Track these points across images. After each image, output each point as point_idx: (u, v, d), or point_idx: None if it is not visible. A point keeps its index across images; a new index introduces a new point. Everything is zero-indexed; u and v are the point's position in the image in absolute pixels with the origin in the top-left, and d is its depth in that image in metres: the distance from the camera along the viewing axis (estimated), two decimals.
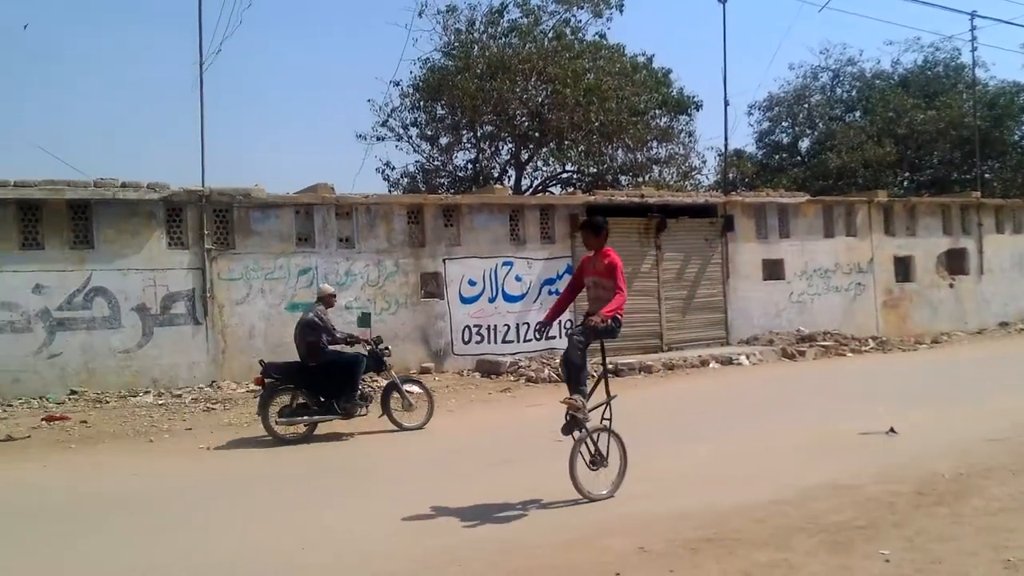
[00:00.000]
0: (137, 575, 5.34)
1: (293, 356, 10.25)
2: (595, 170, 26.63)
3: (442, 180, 26.89)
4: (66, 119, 47.32)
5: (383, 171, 27.04)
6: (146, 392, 12.99)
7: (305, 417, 9.88)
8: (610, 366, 14.82)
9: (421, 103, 25.96)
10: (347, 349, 10.31)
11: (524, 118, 25.33)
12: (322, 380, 9.89)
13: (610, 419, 6.55)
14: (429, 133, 26.49)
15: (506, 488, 6.93)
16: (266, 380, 9.83)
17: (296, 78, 55.07)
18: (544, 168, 27.70)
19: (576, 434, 6.37)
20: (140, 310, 13.41)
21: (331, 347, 10.05)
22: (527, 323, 16.51)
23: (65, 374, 12.84)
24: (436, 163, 27.14)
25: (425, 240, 15.87)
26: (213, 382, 13.64)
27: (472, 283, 16.15)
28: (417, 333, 15.63)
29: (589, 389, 6.51)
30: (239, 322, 14.13)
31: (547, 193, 26.00)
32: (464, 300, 16.07)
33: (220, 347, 13.96)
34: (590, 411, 6.44)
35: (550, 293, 16.80)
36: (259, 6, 48.50)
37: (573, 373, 6.43)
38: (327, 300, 10.38)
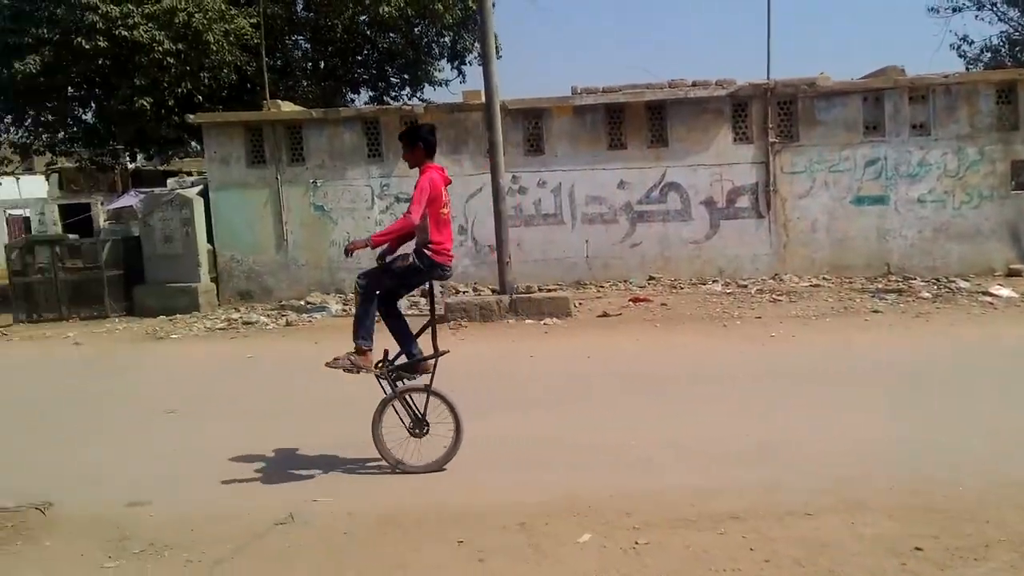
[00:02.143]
0: None
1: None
2: None
3: None
4: (642, 29, 51.65)
5: (958, 47, 23.89)
6: (714, 281, 13.80)
7: None
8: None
9: None
10: None
11: None
12: None
13: (432, 376, 5.29)
14: None
15: None
16: None
17: None
18: None
19: (386, 392, 5.32)
20: (708, 204, 14.17)
21: None
22: None
23: (644, 261, 14.31)
24: None
25: (1019, 122, 13.61)
26: (776, 275, 13.86)
27: None
28: (1003, 230, 13.66)
29: (413, 338, 5.37)
30: (801, 216, 14.01)
31: None
32: None
33: (782, 240, 14.06)
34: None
35: None
36: None
37: (355, 323, 5.28)
38: None
